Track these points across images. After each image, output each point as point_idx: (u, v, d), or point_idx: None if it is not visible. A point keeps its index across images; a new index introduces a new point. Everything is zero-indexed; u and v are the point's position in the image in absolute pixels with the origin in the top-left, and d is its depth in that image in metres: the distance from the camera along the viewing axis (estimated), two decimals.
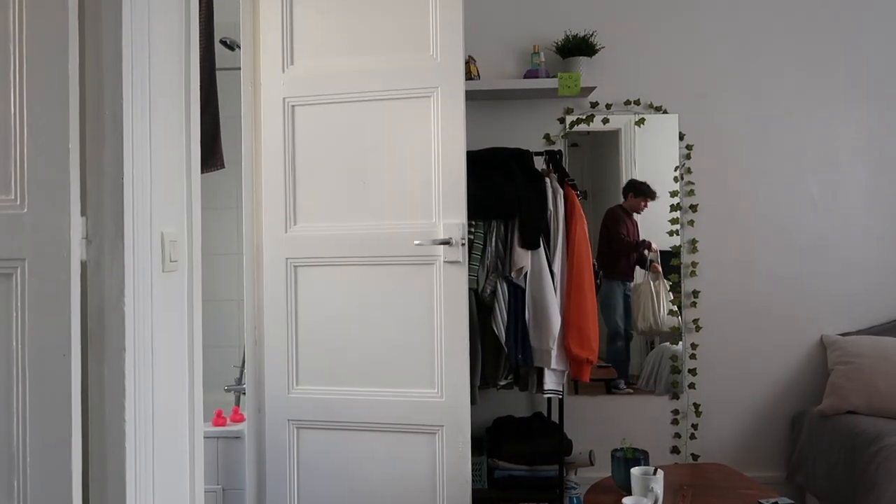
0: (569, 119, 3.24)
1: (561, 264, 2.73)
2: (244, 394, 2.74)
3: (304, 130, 2.56)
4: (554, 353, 2.67)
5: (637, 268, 3.24)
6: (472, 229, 2.67)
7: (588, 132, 3.27)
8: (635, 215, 3.24)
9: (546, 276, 2.68)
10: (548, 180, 2.78)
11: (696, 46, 3.26)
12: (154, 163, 1.62)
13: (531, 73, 3.11)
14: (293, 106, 2.57)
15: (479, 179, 2.71)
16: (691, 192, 3.24)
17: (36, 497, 1.42)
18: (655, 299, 3.22)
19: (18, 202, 1.44)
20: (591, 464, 2.95)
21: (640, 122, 3.23)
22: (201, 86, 2.05)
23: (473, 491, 2.46)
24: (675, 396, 3.26)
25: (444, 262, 2.42)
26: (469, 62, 3.06)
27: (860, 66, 3.24)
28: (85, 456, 1.49)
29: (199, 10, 2.49)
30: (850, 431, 2.76)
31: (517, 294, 2.70)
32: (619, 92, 3.25)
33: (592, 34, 3.18)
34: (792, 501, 2.14)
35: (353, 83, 2.50)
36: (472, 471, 2.59)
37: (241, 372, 3.13)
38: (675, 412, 3.26)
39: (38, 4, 1.43)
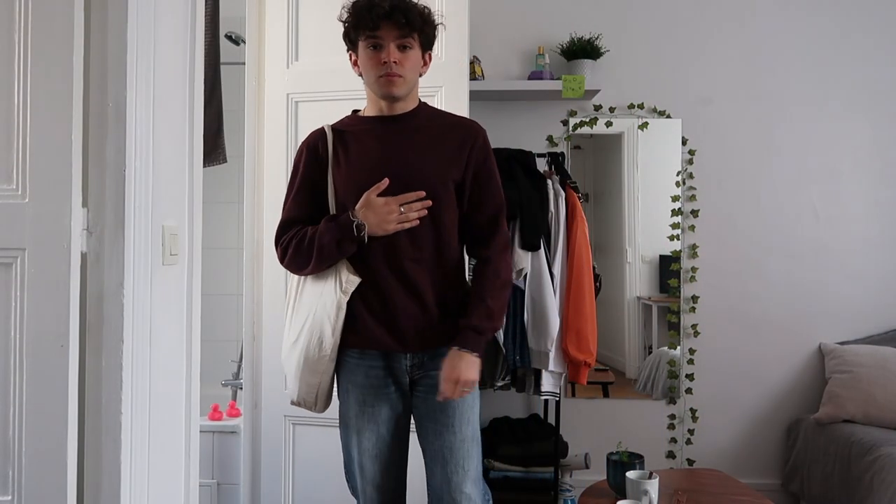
0: (572, 121, 3.24)
1: (561, 266, 2.73)
2: (241, 389, 2.74)
3: (307, 127, 2.54)
4: (552, 354, 2.67)
5: None
6: None
7: (591, 135, 3.27)
8: None
9: (546, 278, 2.68)
10: (549, 182, 2.78)
11: (701, 52, 3.25)
12: (156, 155, 1.62)
13: (535, 75, 3.11)
14: (297, 102, 2.57)
15: None
16: (693, 198, 3.24)
17: (31, 488, 1.42)
18: None
19: (20, 192, 1.44)
20: (587, 467, 2.95)
21: (644, 125, 3.23)
22: (205, 80, 2.05)
23: None
24: (672, 401, 3.26)
25: None
26: (473, 62, 3.06)
27: (865, 75, 3.23)
28: (81, 447, 1.49)
29: (206, 4, 2.49)
30: (846, 440, 2.76)
31: (516, 295, 2.70)
32: (623, 95, 3.25)
33: (598, 37, 3.18)
34: None
35: (357, 81, 2.48)
36: None
37: (239, 367, 3.13)
38: (672, 417, 3.26)
39: None
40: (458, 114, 1.93)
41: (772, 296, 3.24)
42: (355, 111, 1.85)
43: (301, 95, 2.56)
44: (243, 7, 2.62)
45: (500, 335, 2.67)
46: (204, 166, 1.96)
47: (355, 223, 1.64)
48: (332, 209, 1.74)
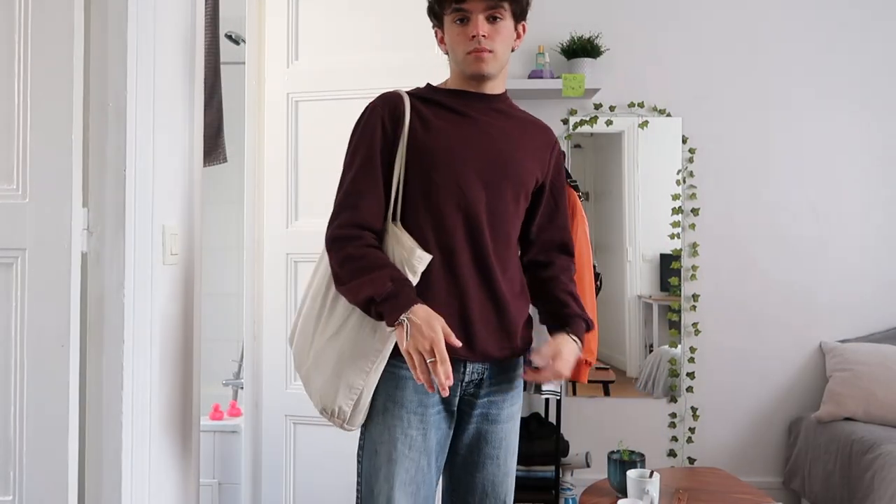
0: (572, 120, 3.24)
1: None
2: (242, 388, 2.75)
3: (307, 126, 2.56)
4: None
5: None
6: None
7: (591, 134, 3.26)
8: None
9: None
10: None
11: (701, 50, 3.25)
12: (156, 155, 1.62)
13: (535, 74, 3.11)
14: (297, 101, 2.57)
15: None
16: (693, 196, 3.24)
17: (32, 488, 1.42)
18: None
19: (20, 192, 1.44)
20: (588, 465, 2.95)
21: (644, 124, 3.23)
22: (205, 79, 2.06)
23: None
24: (673, 400, 3.26)
25: None
26: None
27: (864, 72, 3.23)
28: (82, 447, 1.49)
29: (206, 4, 2.49)
30: (846, 438, 2.76)
31: None
32: (623, 94, 3.25)
33: (597, 36, 3.18)
34: None
35: (358, 80, 2.49)
36: None
37: (240, 366, 3.13)
38: (673, 415, 3.26)
39: None
40: None
41: (772, 294, 3.24)
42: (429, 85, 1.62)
43: (301, 95, 2.56)
44: (243, 7, 2.62)
45: None
46: (204, 166, 1.97)
47: (406, 315, 1.32)
48: (396, 185, 1.47)
